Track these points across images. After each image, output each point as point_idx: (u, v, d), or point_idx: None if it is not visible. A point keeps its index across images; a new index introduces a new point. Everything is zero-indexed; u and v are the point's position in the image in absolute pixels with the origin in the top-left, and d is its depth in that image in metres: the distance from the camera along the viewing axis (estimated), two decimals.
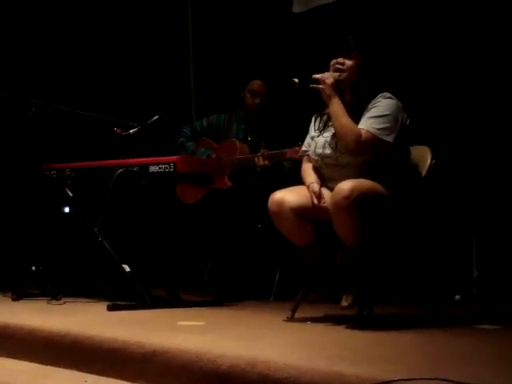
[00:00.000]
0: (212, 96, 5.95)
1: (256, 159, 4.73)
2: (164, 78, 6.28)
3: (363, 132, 3.54)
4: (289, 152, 4.48)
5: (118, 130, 4.63)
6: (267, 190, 3.86)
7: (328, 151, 3.69)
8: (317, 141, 3.77)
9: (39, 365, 3.33)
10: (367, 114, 3.60)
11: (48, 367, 3.29)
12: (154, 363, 2.93)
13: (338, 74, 3.66)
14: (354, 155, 3.58)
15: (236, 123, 5.11)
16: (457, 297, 4.57)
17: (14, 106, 4.94)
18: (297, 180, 3.87)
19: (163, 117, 4.68)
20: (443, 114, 4.80)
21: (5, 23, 6.33)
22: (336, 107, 3.62)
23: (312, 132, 3.86)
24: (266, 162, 4.70)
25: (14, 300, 4.57)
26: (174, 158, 4.26)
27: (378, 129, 3.55)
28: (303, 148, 3.92)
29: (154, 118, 4.67)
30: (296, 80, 3.79)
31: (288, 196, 3.67)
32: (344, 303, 3.52)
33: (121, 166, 4.34)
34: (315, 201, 3.61)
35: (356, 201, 3.38)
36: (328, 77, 3.64)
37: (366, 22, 5.01)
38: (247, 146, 4.92)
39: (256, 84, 5.03)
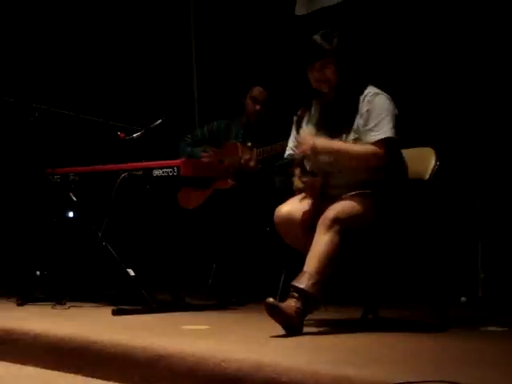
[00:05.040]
0: (215, 100, 5.95)
1: (246, 160, 4.76)
2: (167, 81, 6.28)
3: (377, 145, 3.44)
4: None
5: (122, 134, 4.62)
6: (272, 195, 3.81)
7: (324, 156, 3.56)
8: None
9: (44, 370, 3.32)
10: (368, 125, 3.47)
11: (53, 372, 3.28)
12: (159, 367, 2.91)
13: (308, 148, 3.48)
14: (388, 163, 3.47)
15: (236, 128, 5.13)
16: (463, 299, 4.56)
17: (18, 110, 4.94)
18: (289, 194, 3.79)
19: (166, 121, 4.67)
20: (448, 115, 4.80)
21: (8, 28, 6.34)
22: (336, 149, 3.49)
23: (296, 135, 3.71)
24: (253, 163, 4.72)
25: (18, 305, 4.58)
26: (178, 161, 4.26)
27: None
28: (289, 151, 3.77)
29: (157, 121, 4.67)
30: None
31: (294, 210, 3.61)
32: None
33: (124, 170, 4.34)
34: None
35: (338, 232, 3.36)
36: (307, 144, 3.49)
37: (370, 23, 5.01)
38: (248, 149, 4.93)
39: (257, 91, 5.05)
